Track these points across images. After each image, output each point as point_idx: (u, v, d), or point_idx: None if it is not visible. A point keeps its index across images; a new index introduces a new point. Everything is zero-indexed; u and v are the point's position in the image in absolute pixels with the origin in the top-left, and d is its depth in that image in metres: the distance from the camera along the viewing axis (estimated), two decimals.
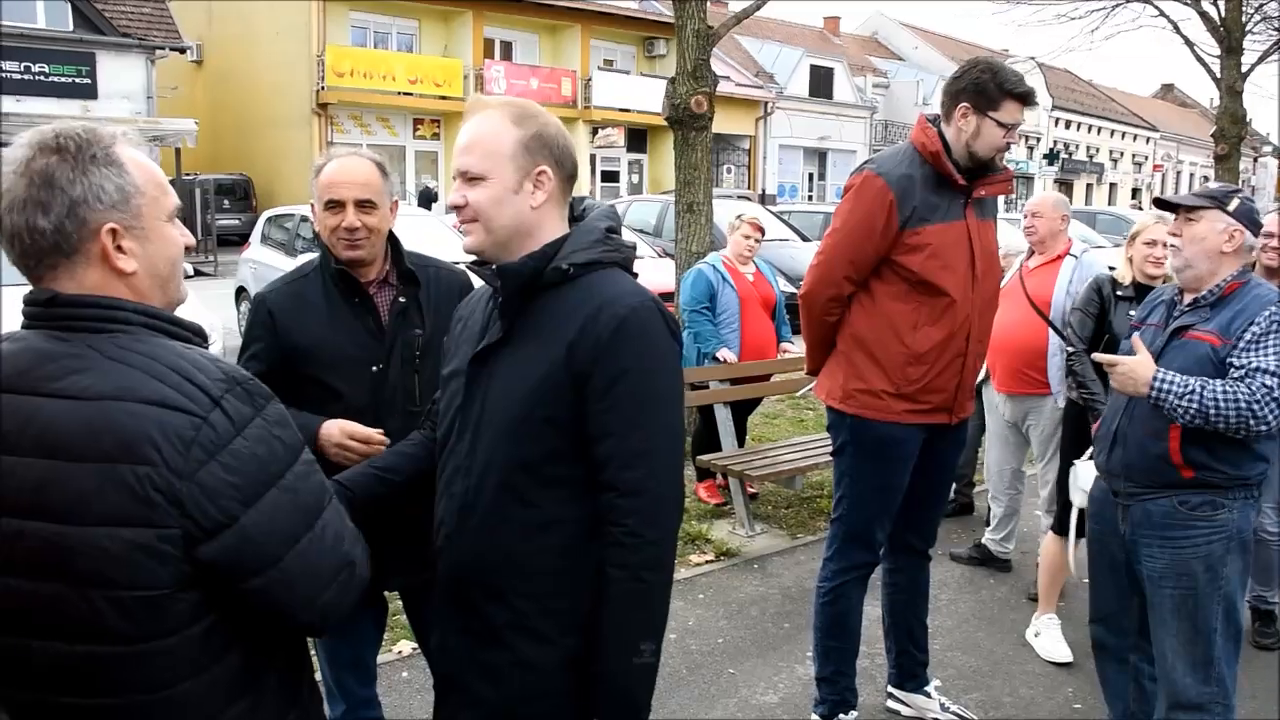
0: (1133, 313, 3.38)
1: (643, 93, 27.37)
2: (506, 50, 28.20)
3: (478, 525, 1.79)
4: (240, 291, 12.05)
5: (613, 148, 29.84)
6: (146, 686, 1.32)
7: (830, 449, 3.43)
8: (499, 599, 1.78)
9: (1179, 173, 57.29)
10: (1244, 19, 14.74)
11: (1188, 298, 2.82)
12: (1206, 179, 39.13)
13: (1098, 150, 50.31)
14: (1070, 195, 45.44)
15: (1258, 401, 2.55)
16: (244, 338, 2.57)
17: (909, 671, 3.62)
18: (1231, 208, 2.73)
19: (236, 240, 19.05)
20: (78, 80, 20.10)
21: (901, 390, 3.10)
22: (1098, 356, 2.81)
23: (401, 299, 2.50)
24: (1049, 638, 4.15)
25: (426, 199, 21.44)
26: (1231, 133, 15.08)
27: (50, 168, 1.33)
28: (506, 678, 1.79)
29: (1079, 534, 3.29)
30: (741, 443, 6.09)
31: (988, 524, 5.19)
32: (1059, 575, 4.20)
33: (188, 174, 20.32)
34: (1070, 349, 4.05)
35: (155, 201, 1.41)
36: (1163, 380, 2.63)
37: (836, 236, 3.12)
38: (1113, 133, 51.39)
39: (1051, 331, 4.46)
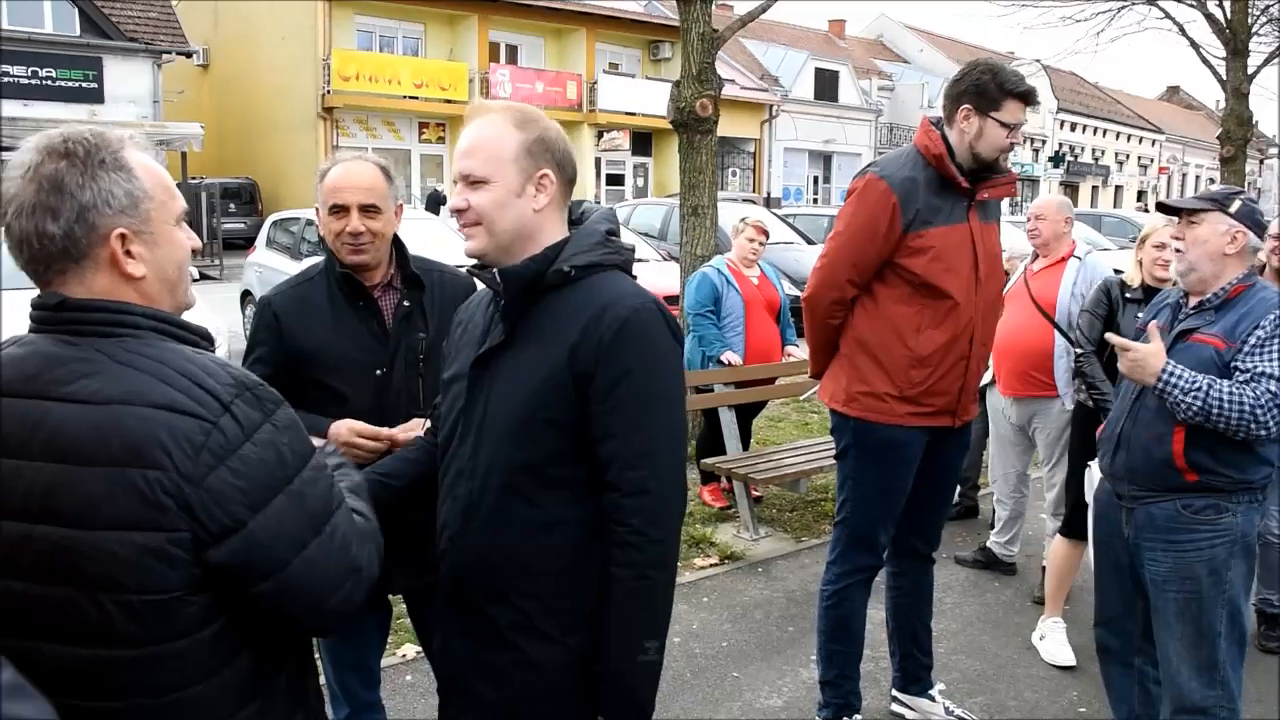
0: (1140, 315, 3.38)
1: (648, 96, 27.39)
2: (512, 54, 28.24)
3: (481, 527, 1.80)
4: (245, 295, 12.08)
5: (618, 151, 29.86)
6: (156, 690, 1.32)
7: (834, 452, 3.43)
8: (502, 600, 1.79)
9: (1185, 175, 57.15)
10: (1250, 21, 14.73)
11: (1193, 300, 2.82)
12: (1212, 181, 39.06)
13: (1103, 153, 50.22)
14: (1076, 198, 45.38)
15: (1261, 407, 2.55)
16: (249, 341, 2.58)
17: (913, 675, 3.62)
18: (1233, 209, 2.73)
19: (242, 244, 19.09)
20: (84, 84, 20.18)
21: (905, 393, 3.10)
22: (1111, 337, 2.78)
23: (406, 303, 2.51)
24: (1053, 641, 4.15)
25: (435, 202, 21.47)
26: (1237, 135, 15.06)
27: (59, 173, 1.34)
28: (510, 678, 1.80)
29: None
30: (746, 446, 6.09)
31: (992, 527, 5.18)
32: (1066, 578, 4.20)
33: (193, 178, 20.37)
34: (1079, 350, 4.05)
35: (163, 206, 1.42)
36: (1170, 373, 2.62)
37: (840, 239, 3.13)
38: (1118, 135, 51.28)
39: (1057, 334, 4.45)
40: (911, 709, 3.62)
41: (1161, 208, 2.99)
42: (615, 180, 30.16)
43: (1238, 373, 2.62)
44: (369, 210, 2.42)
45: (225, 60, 27.23)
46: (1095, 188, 49.31)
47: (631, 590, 1.72)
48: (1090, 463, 3.36)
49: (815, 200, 35.28)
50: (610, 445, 1.72)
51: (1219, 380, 2.60)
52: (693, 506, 5.87)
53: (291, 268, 9.74)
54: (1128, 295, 3.97)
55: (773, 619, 4.48)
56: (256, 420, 1.35)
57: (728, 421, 5.79)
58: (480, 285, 1.98)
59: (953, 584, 4.89)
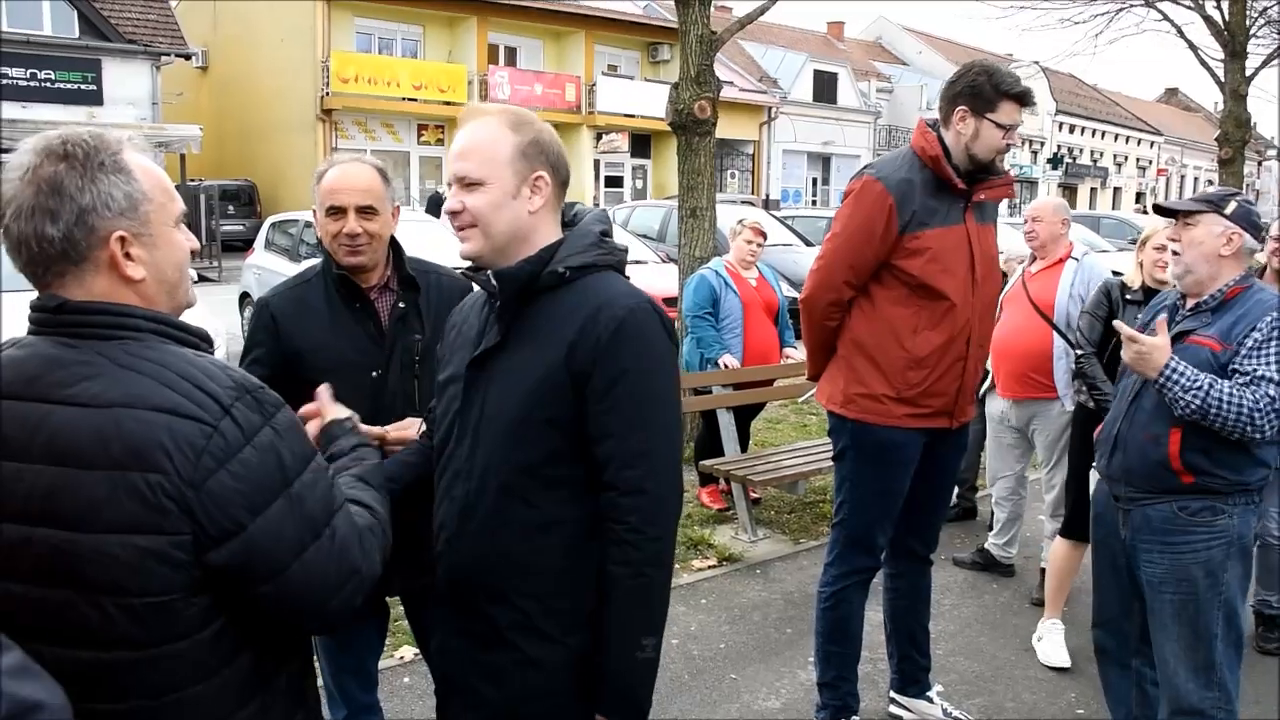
0: (1140, 317, 3.38)
1: (647, 98, 27.41)
2: (511, 56, 28.25)
3: (479, 528, 1.81)
4: (244, 297, 12.08)
5: (616, 153, 29.87)
6: (156, 690, 1.33)
7: (832, 454, 3.43)
8: (502, 600, 1.80)
9: (1183, 177, 57.21)
10: (1248, 23, 14.74)
11: (1189, 302, 2.82)
12: (1211, 183, 39.11)
13: (1102, 154, 50.27)
14: (1074, 200, 45.43)
15: (1259, 411, 2.55)
16: (246, 342, 2.58)
17: (911, 677, 3.62)
18: (1229, 211, 2.73)
19: (241, 246, 19.08)
20: (83, 86, 20.18)
21: (902, 394, 3.10)
22: (1119, 325, 2.77)
23: (401, 304, 2.51)
24: (1050, 642, 4.15)
25: (435, 205, 21.47)
26: (1236, 136, 15.07)
27: (58, 175, 1.33)
28: (510, 678, 1.81)
29: None
30: (744, 448, 6.10)
31: (990, 529, 5.18)
32: (1067, 580, 4.20)
33: (192, 179, 20.37)
34: (1080, 352, 4.05)
35: (163, 208, 1.42)
36: (1173, 369, 2.62)
37: (836, 241, 3.13)
38: (1116, 137, 51.34)
39: (1056, 335, 4.46)
40: (909, 710, 3.63)
41: (1158, 209, 3.00)
42: (614, 182, 30.17)
43: (1237, 375, 2.62)
44: (366, 212, 2.43)
45: (224, 62, 27.23)
46: (1094, 189, 49.35)
47: (629, 588, 1.73)
48: (1094, 464, 3.37)
49: (814, 202, 35.31)
50: (607, 445, 1.73)
51: (1220, 380, 2.60)
52: (691, 508, 5.87)
53: (290, 270, 9.73)
54: (1128, 297, 3.98)
55: (771, 621, 4.48)
56: (257, 423, 1.35)
57: (726, 423, 5.79)
58: (475, 287, 1.99)
59: (951, 586, 4.89)
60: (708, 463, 5.70)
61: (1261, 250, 3.65)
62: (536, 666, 1.79)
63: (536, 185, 1.80)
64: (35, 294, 1.40)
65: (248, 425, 1.34)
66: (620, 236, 12.58)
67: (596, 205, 25.78)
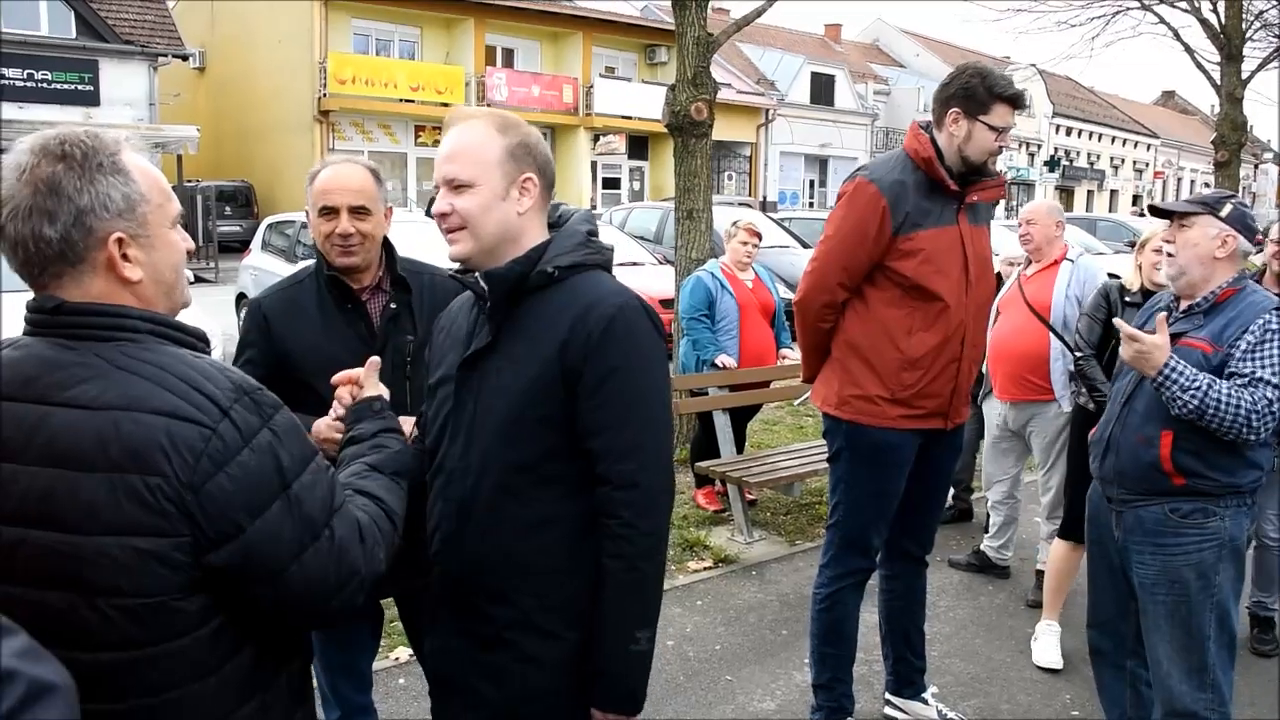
0: (1136, 319, 3.39)
1: (644, 100, 27.43)
2: (508, 57, 28.26)
3: (475, 527, 1.82)
4: (241, 298, 12.08)
5: (614, 155, 29.88)
6: (156, 689, 1.33)
7: (827, 455, 3.44)
8: (501, 599, 1.81)
9: (1180, 179, 57.33)
10: (1244, 26, 14.77)
11: (1182, 304, 2.83)
12: (1208, 185, 39.20)
13: (1098, 157, 50.36)
14: (1071, 202, 45.52)
15: (1256, 412, 2.56)
16: (239, 343, 2.58)
17: (906, 678, 3.62)
18: (1224, 213, 2.74)
19: (238, 246, 19.06)
20: (80, 87, 20.17)
21: (896, 395, 3.11)
22: (1119, 324, 2.77)
23: (393, 305, 2.51)
24: (1044, 643, 4.16)
25: None
26: (1232, 139, 15.10)
27: (56, 176, 1.33)
28: (511, 677, 1.82)
29: None
30: (741, 449, 6.09)
31: (986, 531, 5.19)
32: (1065, 581, 4.20)
33: (189, 180, 20.36)
34: (1079, 354, 4.06)
35: (160, 209, 1.42)
36: (1173, 368, 2.62)
37: (830, 243, 3.14)
38: (1113, 139, 51.44)
39: (1053, 337, 4.47)
40: (904, 712, 3.63)
41: (1154, 210, 3.00)
42: (611, 184, 30.19)
43: (1235, 377, 2.62)
44: (359, 212, 2.43)
45: (221, 63, 27.22)
46: (1090, 192, 49.45)
47: (623, 581, 1.75)
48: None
49: (811, 204, 35.35)
50: (600, 440, 1.75)
51: (1218, 380, 2.61)
52: (687, 510, 5.88)
53: (286, 270, 9.72)
54: (1127, 299, 3.98)
55: (766, 622, 4.48)
56: (255, 425, 1.35)
57: (722, 425, 5.79)
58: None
59: (946, 587, 4.90)
60: (704, 464, 5.70)
61: (1257, 253, 3.66)
62: (537, 664, 1.80)
63: (525, 187, 1.81)
64: (32, 294, 1.40)
65: (246, 427, 1.33)
66: (617, 238, 12.65)
67: (594, 207, 25.81)
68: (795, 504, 6.13)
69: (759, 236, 5.86)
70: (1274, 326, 2.63)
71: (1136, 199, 50.58)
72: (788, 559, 5.27)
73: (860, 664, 3.58)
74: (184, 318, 1.49)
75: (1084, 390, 4.04)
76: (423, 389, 2.03)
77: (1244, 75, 15.08)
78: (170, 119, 21.60)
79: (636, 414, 1.76)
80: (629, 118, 28.49)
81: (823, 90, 36.17)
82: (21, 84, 19.40)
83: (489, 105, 25.04)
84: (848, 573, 3.35)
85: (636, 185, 30.88)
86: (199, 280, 17.44)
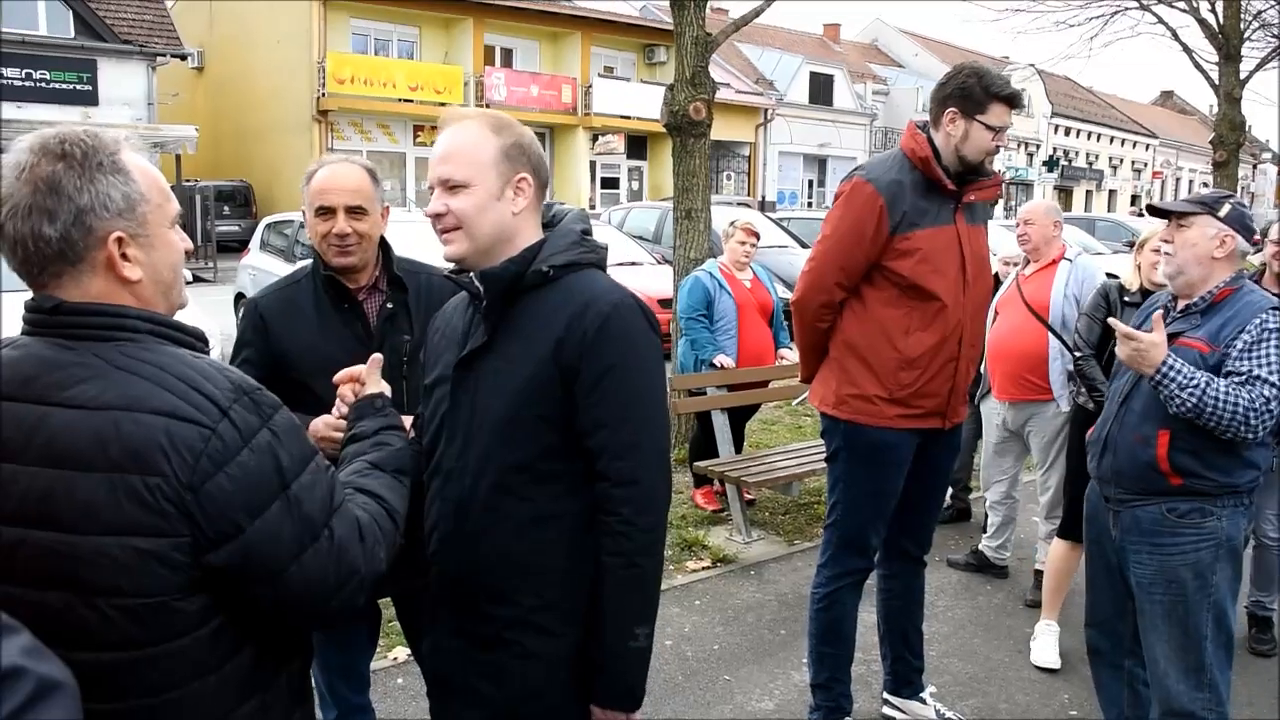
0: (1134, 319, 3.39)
1: (643, 100, 27.42)
2: (507, 57, 28.25)
3: (474, 527, 1.82)
4: (239, 297, 12.09)
5: (613, 154, 29.88)
6: (156, 688, 1.33)
7: (825, 455, 3.44)
8: (500, 598, 1.82)
9: (1179, 179, 57.37)
10: (1242, 26, 14.77)
11: (1180, 304, 2.83)
12: (1206, 185, 39.25)
13: (1097, 157, 50.39)
14: (1070, 202, 45.55)
15: (1254, 410, 2.56)
16: (236, 342, 2.58)
17: (904, 678, 3.63)
18: (1222, 213, 2.74)
19: (236, 246, 19.04)
20: (79, 87, 20.15)
21: (894, 395, 3.11)
22: (1114, 323, 2.78)
23: (390, 305, 2.51)
24: (1042, 643, 4.16)
25: None
26: (1230, 139, 15.11)
27: (56, 175, 1.32)
28: (511, 675, 1.83)
29: None
30: (739, 449, 6.10)
31: (984, 530, 5.19)
32: (1065, 581, 4.20)
33: (188, 180, 20.36)
34: (1078, 354, 4.07)
35: (160, 209, 1.42)
36: (1170, 366, 2.62)
37: (827, 243, 3.14)
38: (1112, 139, 51.48)
39: (1051, 336, 4.48)
40: (903, 712, 3.63)
41: (1152, 210, 3.01)
42: (610, 183, 30.19)
43: (1232, 376, 2.62)
44: (355, 212, 2.43)
45: (220, 63, 27.20)
46: (1089, 192, 49.48)
47: (622, 578, 1.76)
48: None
49: (810, 204, 35.35)
50: (597, 438, 1.76)
51: (1216, 379, 2.61)
52: (685, 510, 5.88)
53: (285, 270, 9.70)
54: (1126, 299, 3.99)
55: (764, 622, 4.48)
56: (254, 426, 1.35)
57: (720, 424, 5.79)
58: None
59: (945, 587, 4.90)
60: (702, 464, 5.71)
61: (1255, 252, 3.67)
62: (536, 662, 1.81)
63: (519, 187, 1.82)
64: (30, 294, 1.40)
65: (245, 427, 1.33)
66: (616, 238, 12.64)
67: (592, 206, 25.82)
68: (794, 504, 6.13)
69: (756, 236, 5.86)
70: (1271, 326, 2.64)
71: (1135, 199, 50.64)
72: (786, 559, 5.28)
73: (858, 663, 3.59)
74: (183, 317, 1.49)
75: (1084, 390, 4.04)
76: (419, 389, 2.04)
77: (1242, 75, 15.08)
78: (169, 119, 21.60)
79: (633, 411, 1.77)
80: (628, 117, 28.48)
81: (821, 90, 36.18)
82: (20, 83, 19.38)
83: (488, 105, 25.06)
84: (846, 572, 3.35)
85: (635, 185, 30.88)
86: (198, 280, 17.43)
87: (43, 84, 19.73)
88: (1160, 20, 15.66)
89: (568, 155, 28.50)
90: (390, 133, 25.98)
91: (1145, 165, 54.79)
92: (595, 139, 28.91)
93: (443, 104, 25.14)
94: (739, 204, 23.80)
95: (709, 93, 6.79)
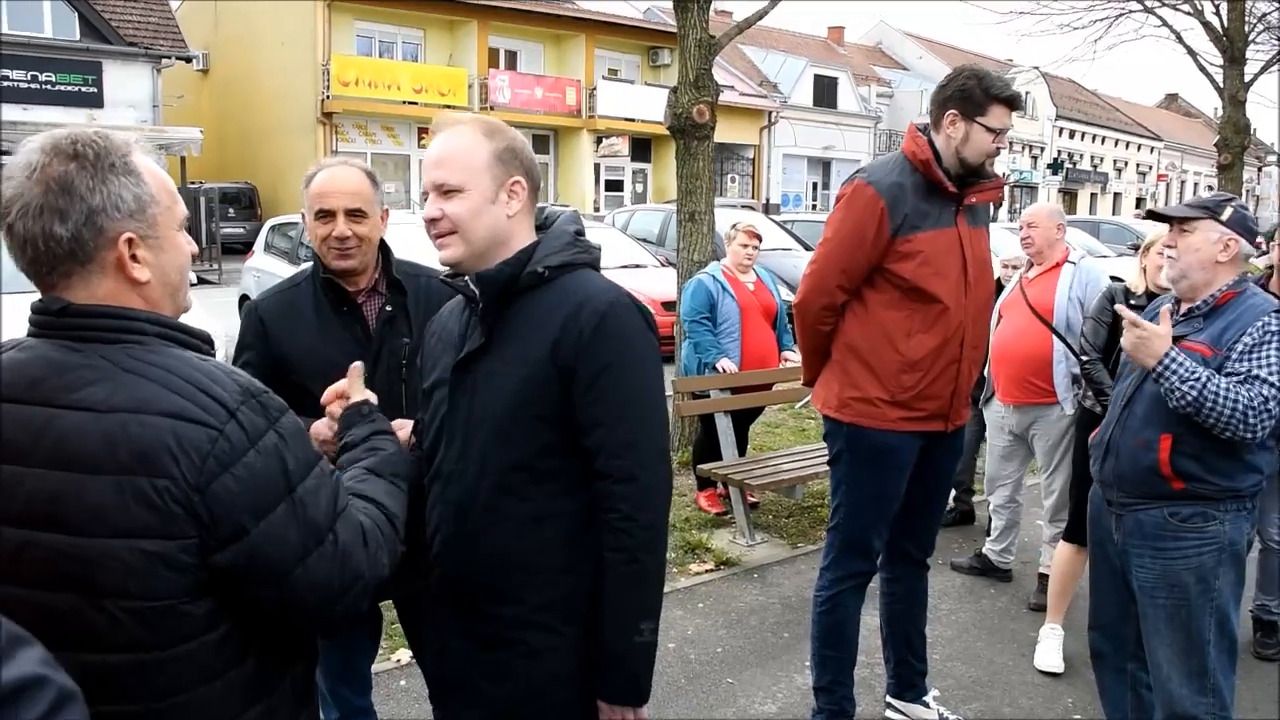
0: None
1: (647, 102, 27.45)
2: (511, 60, 28.29)
3: (474, 527, 1.84)
4: (244, 299, 12.10)
5: (617, 157, 29.90)
6: (162, 693, 1.33)
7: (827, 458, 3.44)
8: (502, 597, 1.83)
9: (1183, 182, 57.30)
10: (1246, 29, 14.78)
11: (1183, 307, 2.83)
12: (1211, 188, 39.24)
13: (1102, 160, 50.34)
14: (1074, 205, 45.52)
15: (1253, 409, 2.55)
16: (237, 345, 2.59)
17: (907, 681, 3.62)
18: (1225, 217, 2.74)
19: (241, 248, 19.10)
20: (84, 89, 20.22)
21: (896, 398, 3.11)
22: (1121, 310, 2.77)
23: (389, 307, 2.52)
24: (1045, 647, 4.15)
25: None
26: (1235, 142, 15.11)
27: (69, 175, 1.33)
28: (513, 674, 1.84)
29: None
30: (743, 452, 6.09)
31: (988, 534, 5.19)
32: (1070, 584, 4.18)
33: (193, 182, 20.41)
34: (1085, 358, 4.07)
35: (169, 211, 1.42)
36: (1173, 358, 2.62)
37: (829, 246, 3.14)
38: (1117, 142, 51.43)
39: (1056, 340, 4.47)
40: (906, 715, 3.63)
41: (1153, 216, 3.00)
42: (614, 186, 30.22)
43: (1230, 375, 2.62)
44: (355, 214, 2.43)
45: (225, 65, 27.26)
46: (1094, 195, 49.43)
47: (624, 574, 1.78)
48: None
49: (814, 206, 35.34)
50: (596, 435, 1.77)
51: (1218, 375, 2.61)
52: (689, 512, 5.88)
53: (289, 272, 9.71)
54: (1131, 302, 3.98)
55: (768, 625, 4.48)
56: (261, 428, 1.35)
57: (724, 427, 5.79)
58: None
59: (948, 590, 4.89)
60: (705, 466, 5.70)
61: (1260, 255, 3.66)
62: (540, 660, 1.82)
63: (513, 190, 1.84)
64: (34, 296, 1.40)
65: (252, 429, 1.34)
66: (620, 240, 12.64)
67: (597, 209, 25.83)
68: (797, 507, 6.13)
69: (759, 238, 5.86)
70: (1273, 328, 2.63)
71: (1140, 202, 50.60)
72: (789, 562, 5.27)
73: (861, 667, 3.58)
74: (188, 319, 1.50)
75: (1090, 394, 4.04)
76: (419, 392, 2.04)
77: (1247, 78, 15.09)
78: (174, 121, 21.66)
79: (631, 409, 1.78)
80: (632, 120, 28.50)
81: (825, 93, 36.19)
82: (25, 85, 19.45)
83: (492, 107, 25.09)
84: (848, 575, 3.35)
85: (639, 187, 30.90)
86: (202, 282, 17.47)
87: (48, 86, 19.80)
88: (1164, 23, 15.67)
89: (572, 158, 28.52)
90: (394, 135, 26.02)
91: (1150, 168, 54.72)
92: (599, 141, 28.94)
93: (447, 106, 25.17)
94: (743, 207, 23.80)
95: (712, 95, 6.79)
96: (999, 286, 4.91)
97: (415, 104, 24.96)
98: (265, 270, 11.40)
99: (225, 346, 7.78)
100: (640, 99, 28.25)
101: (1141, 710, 3.08)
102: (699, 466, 5.81)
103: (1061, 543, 4.22)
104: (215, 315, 8.42)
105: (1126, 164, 52.68)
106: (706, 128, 6.80)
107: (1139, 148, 53.53)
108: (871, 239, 3.03)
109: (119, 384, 1.31)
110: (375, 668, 3.28)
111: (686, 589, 4.82)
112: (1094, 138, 49.22)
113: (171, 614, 1.30)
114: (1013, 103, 3.05)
